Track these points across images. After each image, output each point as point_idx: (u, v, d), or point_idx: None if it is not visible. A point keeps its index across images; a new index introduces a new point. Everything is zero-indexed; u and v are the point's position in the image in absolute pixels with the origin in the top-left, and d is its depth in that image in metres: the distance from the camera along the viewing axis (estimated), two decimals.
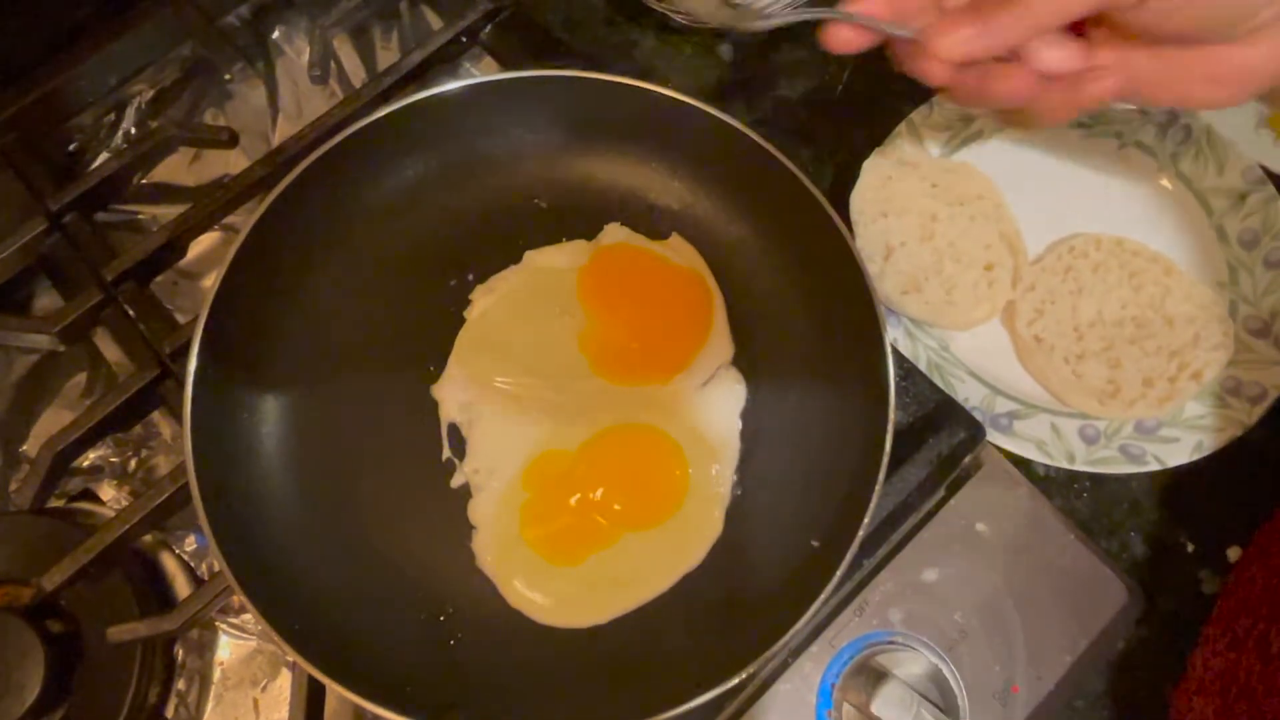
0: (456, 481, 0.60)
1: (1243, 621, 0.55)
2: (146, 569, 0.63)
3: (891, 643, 0.58)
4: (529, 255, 0.65)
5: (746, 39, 0.80)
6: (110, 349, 0.69)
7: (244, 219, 0.59)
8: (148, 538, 0.64)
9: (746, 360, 0.62)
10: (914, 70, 0.50)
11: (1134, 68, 0.50)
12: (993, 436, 0.64)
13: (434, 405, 0.61)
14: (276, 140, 0.78)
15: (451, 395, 0.61)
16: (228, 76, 0.80)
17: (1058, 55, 0.48)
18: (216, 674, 0.62)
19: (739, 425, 0.61)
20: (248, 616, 0.63)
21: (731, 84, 0.81)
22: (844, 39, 0.50)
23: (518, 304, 0.63)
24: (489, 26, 0.76)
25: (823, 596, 0.50)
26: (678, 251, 0.65)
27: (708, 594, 0.57)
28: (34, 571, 0.57)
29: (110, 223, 0.74)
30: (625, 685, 0.53)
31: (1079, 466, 0.64)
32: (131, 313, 0.65)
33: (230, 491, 0.55)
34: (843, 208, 0.69)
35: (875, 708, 0.54)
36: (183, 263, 0.70)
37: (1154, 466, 0.64)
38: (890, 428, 0.54)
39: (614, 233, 0.66)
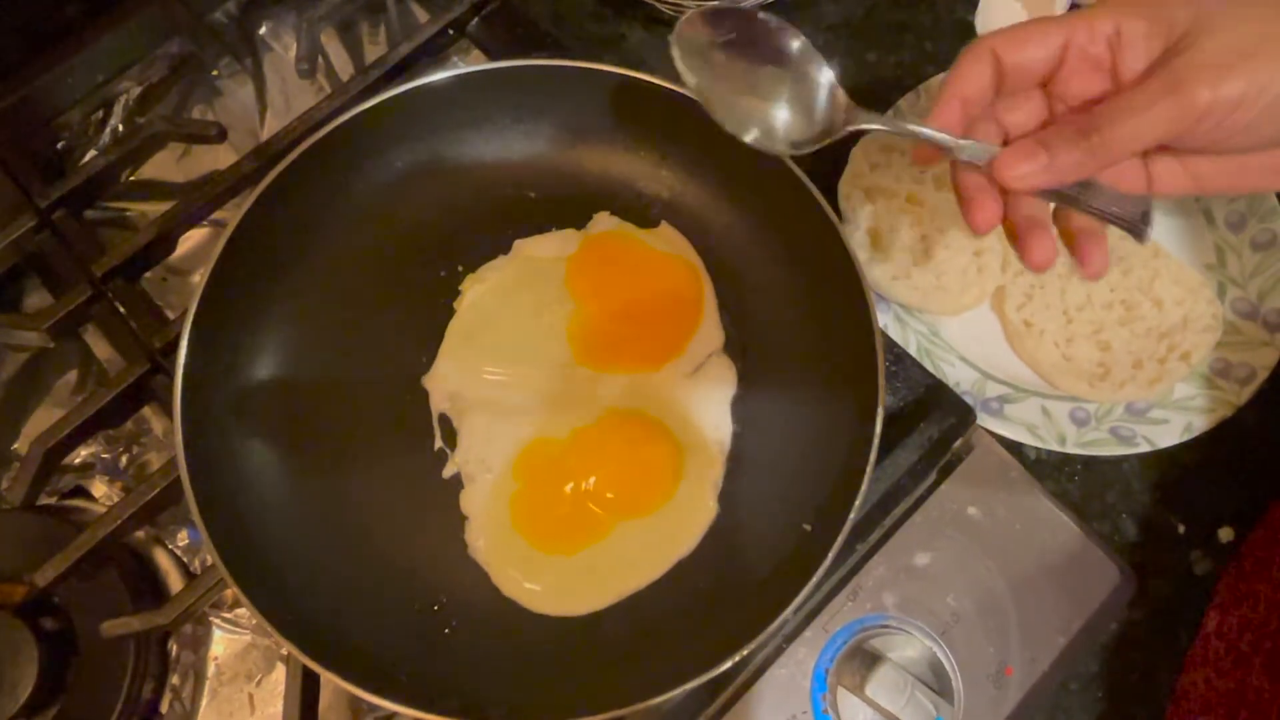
0: (448, 472, 0.60)
1: (1247, 637, 0.55)
2: (139, 565, 0.63)
3: (885, 626, 0.58)
4: (518, 245, 0.65)
5: None
6: (100, 345, 0.68)
7: (232, 214, 0.59)
8: (140, 534, 0.64)
9: (737, 347, 0.63)
10: (969, 213, 0.48)
11: (1195, 171, 0.48)
12: (984, 420, 0.64)
13: (425, 396, 0.61)
14: (264, 135, 0.78)
15: (442, 386, 0.61)
16: (215, 72, 0.80)
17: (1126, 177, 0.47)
18: (211, 669, 0.62)
19: (730, 411, 0.61)
20: (241, 611, 0.62)
21: None
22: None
23: (507, 294, 0.63)
24: (476, 20, 0.76)
25: (815, 579, 0.51)
26: (667, 240, 0.65)
27: (701, 579, 0.57)
28: (26, 568, 0.57)
29: (99, 219, 0.74)
30: (620, 671, 0.53)
31: (1070, 449, 0.64)
32: (121, 309, 0.65)
33: (222, 485, 0.55)
34: (831, 194, 0.69)
35: (870, 691, 0.54)
36: (172, 258, 0.70)
37: (1144, 448, 0.64)
38: (881, 412, 0.54)
39: (603, 221, 0.66)
